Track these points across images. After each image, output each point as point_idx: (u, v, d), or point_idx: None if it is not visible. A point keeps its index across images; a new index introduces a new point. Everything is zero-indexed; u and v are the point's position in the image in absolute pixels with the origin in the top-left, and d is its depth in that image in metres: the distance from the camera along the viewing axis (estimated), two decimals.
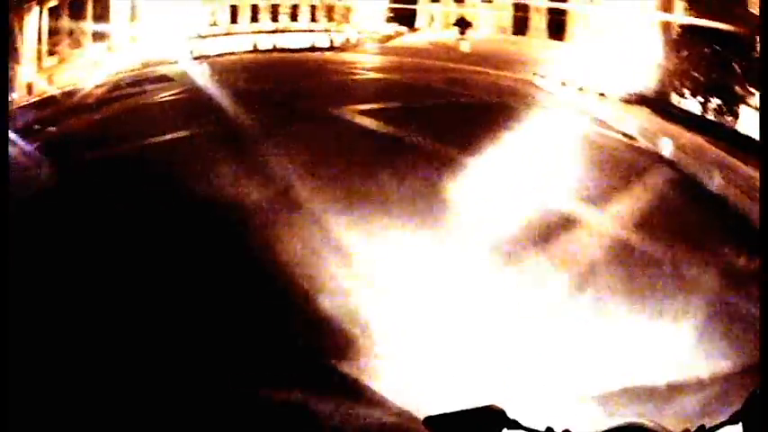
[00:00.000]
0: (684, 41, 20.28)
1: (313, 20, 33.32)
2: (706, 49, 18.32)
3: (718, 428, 2.11)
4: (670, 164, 16.83)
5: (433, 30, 30.53)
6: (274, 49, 31.14)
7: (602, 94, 23.81)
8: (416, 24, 31.37)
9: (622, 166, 17.04)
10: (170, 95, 24.12)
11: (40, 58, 25.41)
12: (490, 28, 29.15)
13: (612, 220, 13.15)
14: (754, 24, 15.86)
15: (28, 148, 19.58)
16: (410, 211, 12.66)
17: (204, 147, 17.23)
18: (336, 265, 10.40)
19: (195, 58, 28.34)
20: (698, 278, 10.75)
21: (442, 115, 19.31)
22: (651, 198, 14.20)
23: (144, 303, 9.04)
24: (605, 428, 2.04)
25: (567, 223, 12.82)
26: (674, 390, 7.60)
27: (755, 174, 12.88)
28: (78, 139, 20.43)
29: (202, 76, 25.45)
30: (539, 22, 27.60)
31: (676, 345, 8.54)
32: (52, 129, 22.04)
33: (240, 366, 7.66)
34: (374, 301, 9.14)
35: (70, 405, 7.03)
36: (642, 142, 19.11)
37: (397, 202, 13.18)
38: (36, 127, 22.17)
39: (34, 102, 24.40)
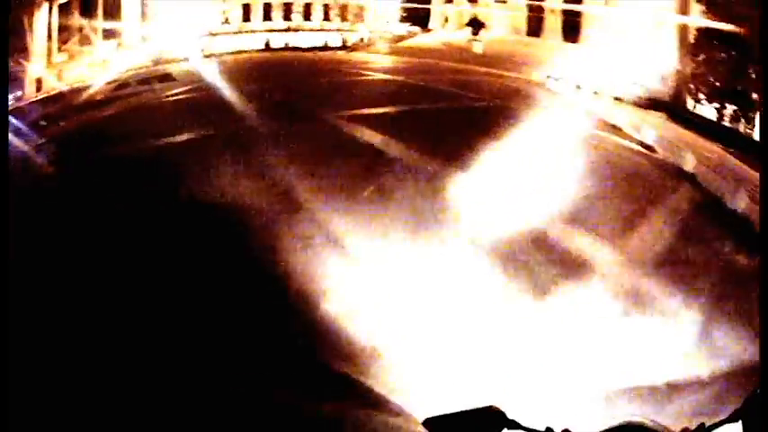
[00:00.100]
0: (701, 45, 19.56)
1: (326, 19, 33.18)
2: (723, 54, 17.60)
3: (718, 426, 2.11)
4: (691, 179, 15.71)
5: (446, 30, 30.09)
6: (286, 48, 31.02)
7: (617, 99, 23.13)
8: (430, 25, 30.99)
9: (640, 180, 16.12)
10: (177, 94, 23.97)
11: (49, 55, 25.52)
12: (504, 29, 28.55)
13: (628, 244, 12.29)
14: None
15: (31, 135, 19.65)
16: (411, 213, 12.59)
17: (206, 147, 17.03)
18: (337, 268, 10.37)
19: (206, 56, 28.25)
20: (698, 277, 10.80)
21: (446, 119, 18.66)
22: (670, 218, 13.41)
23: (144, 305, 9.03)
24: (605, 428, 2.08)
25: (569, 229, 12.61)
26: (674, 389, 7.61)
27: None
28: (83, 137, 20.36)
29: (211, 75, 25.26)
30: (553, 23, 26.95)
31: (676, 344, 8.56)
32: (58, 125, 22.05)
33: (241, 368, 7.67)
34: (375, 303, 9.16)
35: (68, 405, 7.05)
36: (661, 153, 18.03)
37: (396, 204, 13.06)
38: (42, 123, 22.21)
39: (42, 98, 24.45)
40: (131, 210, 12.47)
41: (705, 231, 12.94)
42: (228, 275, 10.01)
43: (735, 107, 17.45)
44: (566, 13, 26.46)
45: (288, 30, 32.04)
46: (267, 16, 32.78)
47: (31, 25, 24.33)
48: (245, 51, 29.69)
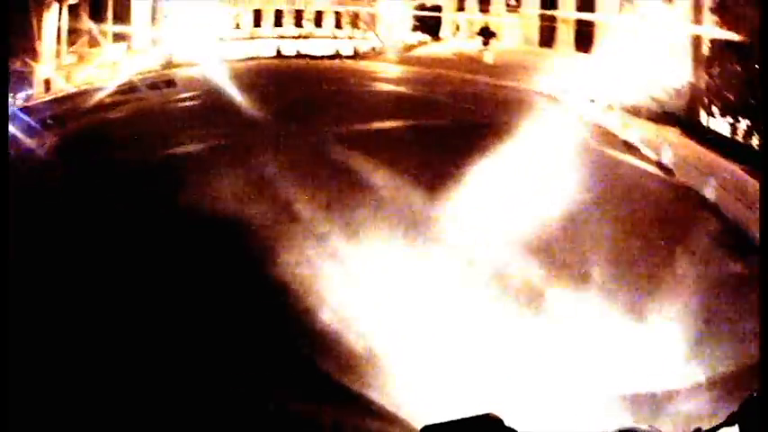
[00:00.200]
0: (715, 58, 18.95)
1: (338, 27, 33.08)
2: (737, 67, 17.01)
3: (715, 431, 2.29)
4: (713, 209, 14.59)
5: (457, 39, 29.81)
6: (296, 56, 30.92)
7: (630, 112, 22.50)
8: (441, 34, 30.74)
9: (659, 210, 15.09)
10: (183, 100, 23.84)
11: (58, 56, 25.62)
12: (516, 38, 28.16)
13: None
14: None
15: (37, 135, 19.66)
16: (407, 223, 12.53)
17: (206, 155, 16.96)
18: (334, 278, 10.36)
19: (216, 62, 28.16)
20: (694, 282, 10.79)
21: (446, 137, 18.09)
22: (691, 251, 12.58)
23: (145, 314, 9.04)
24: None
25: (565, 230, 12.70)
26: (672, 395, 7.60)
27: None
28: (89, 139, 20.35)
29: (219, 81, 25.16)
30: (566, 33, 26.49)
31: (673, 349, 8.54)
32: (65, 126, 22.06)
33: (240, 377, 7.67)
34: (373, 312, 9.15)
35: (66, 406, 7.07)
36: (678, 176, 16.94)
37: (392, 215, 12.96)
38: (50, 122, 22.22)
39: (51, 99, 24.51)
40: (132, 215, 12.51)
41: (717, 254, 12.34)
42: (226, 284, 9.98)
43: (748, 122, 16.74)
44: (578, 23, 26.01)
45: (299, 37, 32.05)
46: (278, 23, 32.95)
47: (40, 26, 24.45)
48: (255, 58, 29.56)
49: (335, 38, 32.91)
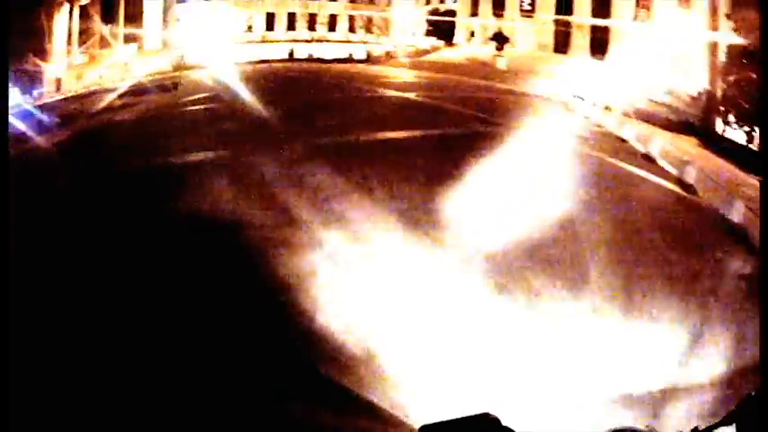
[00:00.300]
0: (731, 65, 18.12)
1: (351, 31, 32.79)
2: (753, 75, 16.19)
3: (713, 429, 2.21)
4: (741, 233, 12.88)
5: (471, 45, 29.27)
6: (309, 59, 30.69)
7: (646, 120, 21.69)
8: (455, 39, 30.23)
9: (684, 237, 13.33)
10: (190, 102, 23.60)
11: (70, 56, 25.66)
12: (530, 44, 27.54)
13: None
14: None
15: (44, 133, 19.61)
16: (406, 227, 12.24)
17: (208, 160, 16.67)
18: (333, 280, 10.15)
19: (226, 65, 28.00)
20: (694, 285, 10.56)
21: (452, 148, 16.95)
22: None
23: (144, 316, 8.90)
24: None
25: (563, 231, 12.15)
26: (671, 394, 7.59)
27: None
28: (95, 139, 20.16)
29: (228, 84, 24.99)
30: (581, 39, 25.81)
31: (671, 350, 8.51)
32: (73, 125, 22.03)
33: (240, 380, 7.56)
34: (372, 314, 9.08)
35: (63, 407, 7.03)
36: (702, 196, 14.86)
37: (392, 216, 12.67)
38: (58, 121, 22.24)
39: (60, 98, 24.58)
40: (133, 216, 12.32)
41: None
42: (226, 286, 9.79)
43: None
44: (593, 29, 25.30)
45: (312, 40, 31.81)
46: (292, 26, 32.75)
47: (51, 26, 24.52)
48: (266, 61, 29.33)
49: (349, 42, 32.68)
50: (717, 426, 2.14)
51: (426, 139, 17.47)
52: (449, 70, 28.07)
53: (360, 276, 10.29)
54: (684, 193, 14.82)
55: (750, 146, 16.68)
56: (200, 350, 8.09)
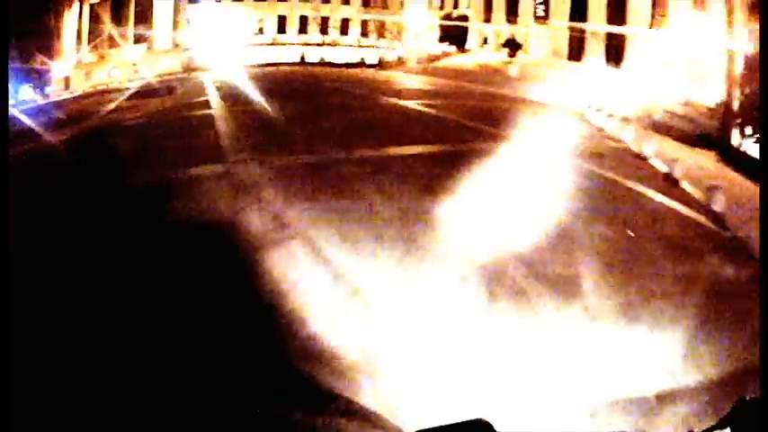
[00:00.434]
0: (748, 75, 17.28)
1: (363, 35, 32.44)
2: None
3: None
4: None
5: (483, 51, 28.70)
6: (319, 63, 30.43)
7: (662, 132, 20.84)
8: (467, 45, 29.67)
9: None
10: (195, 104, 23.40)
11: (79, 55, 25.68)
12: (543, 51, 26.85)
13: None
14: None
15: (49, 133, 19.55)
16: (400, 233, 11.81)
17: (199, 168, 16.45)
18: (325, 286, 9.89)
19: (235, 66, 27.81)
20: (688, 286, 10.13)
21: (449, 164, 15.17)
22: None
23: (136, 326, 8.65)
24: None
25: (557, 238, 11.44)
26: (664, 397, 7.38)
27: None
28: (99, 140, 20.03)
29: (233, 86, 24.78)
30: (595, 46, 25.08)
31: (665, 353, 8.29)
32: (78, 125, 22.00)
33: (231, 385, 7.32)
34: (366, 320, 8.90)
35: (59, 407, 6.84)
36: (732, 229, 12.85)
37: (385, 223, 12.12)
38: (64, 120, 22.22)
39: (67, 97, 24.63)
40: (129, 219, 11.92)
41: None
42: (217, 289, 9.52)
43: None
44: (609, 36, 24.56)
45: (323, 44, 31.54)
46: (303, 29, 32.53)
47: (60, 26, 24.56)
48: (275, 64, 29.07)
49: (361, 46, 32.34)
50: (712, 429, 2.14)
51: (416, 157, 16.39)
52: (459, 77, 27.40)
53: (354, 284, 9.89)
54: (715, 227, 12.70)
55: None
56: (190, 354, 7.90)
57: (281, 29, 31.29)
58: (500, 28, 28.45)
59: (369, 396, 7.36)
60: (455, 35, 30.05)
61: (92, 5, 25.51)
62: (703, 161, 17.83)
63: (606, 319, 9.16)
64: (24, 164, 16.12)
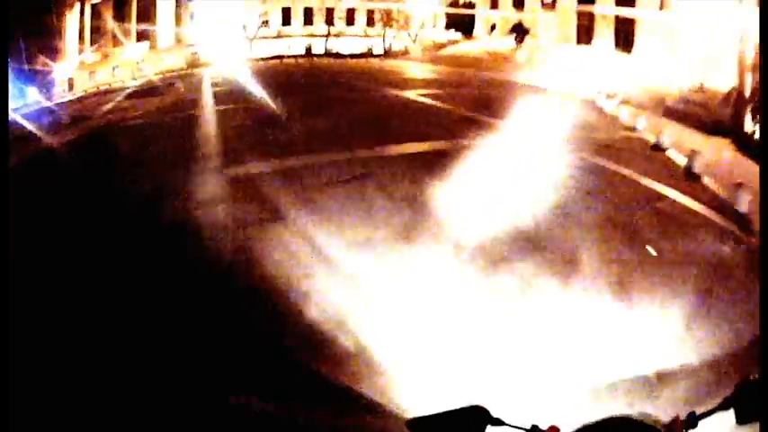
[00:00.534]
0: (761, 59, 16.32)
1: (369, 24, 31.87)
2: None
3: (709, 415, 2.07)
4: None
5: (491, 38, 27.96)
6: (324, 54, 30.01)
7: (677, 119, 19.95)
8: (474, 32, 28.95)
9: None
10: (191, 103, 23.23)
11: (82, 55, 25.67)
12: (551, 36, 26.00)
13: None
14: None
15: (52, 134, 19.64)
16: (395, 219, 11.80)
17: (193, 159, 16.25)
18: (323, 276, 9.84)
19: (239, 60, 27.55)
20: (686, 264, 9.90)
21: (448, 163, 14.50)
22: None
23: (129, 319, 8.57)
24: (592, 422, 2.05)
25: (555, 219, 11.30)
26: (664, 378, 7.24)
27: None
28: (104, 139, 20.01)
29: (237, 80, 24.53)
30: (605, 30, 24.16)
31: (664, 332, 8.13)
32: (81, 126, 22.04)
33: (227, 378, 7.27)
34: (363, 307, 8.80)
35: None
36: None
37: (380, 208, 12.21)
38: (69, 121, 22.28)
39: (70, 98, 24.66)
40: (131, 218, 11.97)
41: None
42: (214, 289, 9.45)
43: None
44: (618, 20, 23.61)
45: (329, 35, 31.04)
46: (309, 21, 32.04)
47: (62, 25, 24.54)
48: (280, 57, 28.71)
49: (367, 36, 31.76)
50: (714, 410, 2.05)
51: (416, 156, 15.10)
52: (466, 65, 26.81)
53: (349, 270, 9.88)
54: (739, 231, 11.56)
55: None
56: (184, 345, 7.82)
57: (286, 21, 30.88)
58: (507, 14, 27.68)
59: (366, 384, 7.30)
60: (462, 22, 29.37)
61: (93, 5, 25.44)
62: (720, 150, 16.89)
63: (605, 300, 8.98)
64: (26, 167, 16.27)
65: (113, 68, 27.05)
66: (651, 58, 23.00)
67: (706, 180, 13.80)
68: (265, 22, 30.21)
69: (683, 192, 13.12)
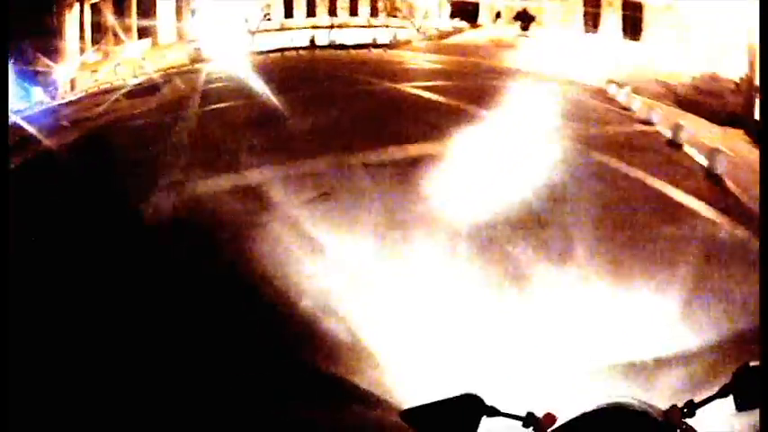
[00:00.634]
0: (761, 64, 15.63)
1: (373, 15, 31.57)
2: None
3: (708, 402, 2.06)
4: None
5: (496, 26, 27.50)
6: (327, 46, 29.77)
7: (688, 108, 19.24)
8: (479, 20, 28.49)
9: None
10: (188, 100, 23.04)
11: (83, 54, 25.67)
12: (557, 23, 25.41)
13: None
14: None
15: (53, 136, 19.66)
16: (386, 206, 11.98)
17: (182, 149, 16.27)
18: (313, 265, 10.02)
19: (241, 55, 27.32)
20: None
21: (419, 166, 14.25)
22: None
23: (121, 317, 8.76)
24: (589, 409, 2.03)
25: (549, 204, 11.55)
26: (662, 364, 7.33)
27: None
28: (108, 140, 19.95)
29: (239, 75, 24.26)
30: (612, 17, 23.51)
31: (662, 318, 8.24)
32: (82, 127, 22.05)
33: (223, 375, 7.37)
34: (355, 297, 8.94)
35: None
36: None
37: (370, 195, 12.40)
38: (71, 122, 22.30)
39: (70, 99, 24.67)
40: (129, 216, 12.29)
41: None
42: (204, 282, 9.62)
43: None
44: (625, 5, 22.94)
45: (332, 26, 30.81)
46: (311, 12, 31.78)
47: (62, 24, 24.51)
48: (282, 50, 28.48)
49: (371, 26, 31.43)
50: (713, 398, 2.01)
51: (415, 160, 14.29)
52: (471, 53, 26.37)
53: (341, 260, 10.00)
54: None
55: None
56: (173, 338, 7.98)
57: (289, 13, 30.63)
58: (512, 1, 27.13)
59: (359, 374, 7.33)
60: (466, 11, 28.89)
61: (93, 4, 25.35)
62: (735, 143, 16.17)
63: (600, 284, 8.97)
64: (30, 168, 16.36)
65: (115, 66, 27.07)
66: (661, 45, 22.32)
67: (729, 183, 12.66)
68: (267, 15, 29.97)
69: (707, 200, 11.70)
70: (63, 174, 16.31)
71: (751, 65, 17.44)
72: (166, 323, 8.50)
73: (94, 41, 26.24)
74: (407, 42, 28.45)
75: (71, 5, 24.66)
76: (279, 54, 28.10)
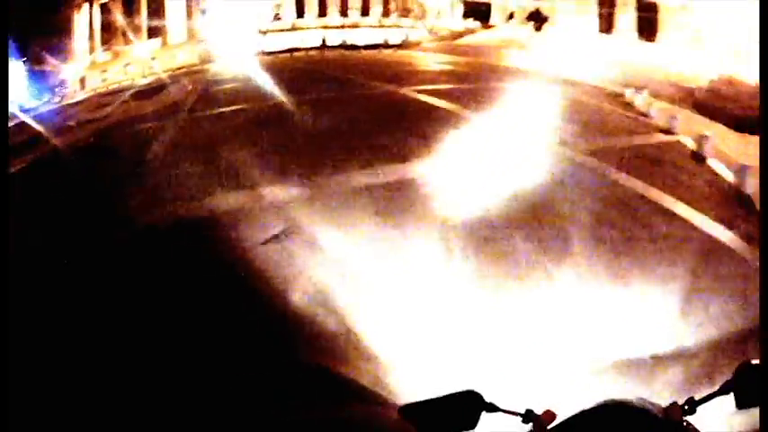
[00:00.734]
0: (761, 63, 14.99)
1: (385, 15, 31.38)
2: None
3: (709, 400, 2.06)
4: None
5: (509, 26, 27.11)
6: (338, 46, 29.64)
7: (704, 114, 18.65)
8: (491, 20, 28.12)
9: None
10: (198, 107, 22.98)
11: (93, 54, 25.74)
12: (571, 23, 24.95)
13: None
14: None
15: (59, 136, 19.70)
16: (381, 201, 11.98)
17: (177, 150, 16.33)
18: (307, 261, 10.02)
19: (251, 55, 27.23)
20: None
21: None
22: None
23: (120, 317, 8.75)
24: (588, 407, 2.04)
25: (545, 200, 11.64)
26: (661, 361, 7.30)
27: None
28: (112, 141, 19.96)
29: (248, 76, 24.14)
30: (626, 18, 23.01)
31: (661, 315, 8.21)
32: (89, 128, 22.08)
33: (218, 374, 7.35)
34: (350, 291, 8.94)
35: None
36: None
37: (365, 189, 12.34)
38: (79, 122, 22.35)
39: (78, 100, 24.74)
40: (128, 216, 12.26)
41: None
42: (198, 282, 9.57)
43: None
44: (640, 7, 22.40)
45: (344, 27, 30.66)
46: (323, 12, 31.66)
47: (72, 24, 24.60)
48: (292, 50, 28.37)
49: (383, 26, 31.23)
50: (713, 395, 1.98)
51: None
52: (483, 54, 25.94)
53: (334, 254, 9.97)
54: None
55: None
56: (178, 343, 7.95)
57: (300, 13, 30.49)
58: (525, 2, 26.71)
59: (355, 370, 7.35)
60: (479, 11, 28.53)
61: (102, 4, 25.43)
62: (751, 143, 15.58)
63: (599, 281, 8.95)
64: (38, 168, 16.41)
65: (125, 66, 27.12)
66: (676, 46, 21.73)
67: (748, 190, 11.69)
68: (277, 15, 29.87)
69: (730, 226, 10.68)
70: (69, 174, 16.35)
71: (763, 67, 16.78)
72: (167, 323, 8.48)
73: (104, 41, 26.38)
74: (418, 43, 28.21)
75: (80, 5, 24.76)
76: (288, 54, 27.91)
